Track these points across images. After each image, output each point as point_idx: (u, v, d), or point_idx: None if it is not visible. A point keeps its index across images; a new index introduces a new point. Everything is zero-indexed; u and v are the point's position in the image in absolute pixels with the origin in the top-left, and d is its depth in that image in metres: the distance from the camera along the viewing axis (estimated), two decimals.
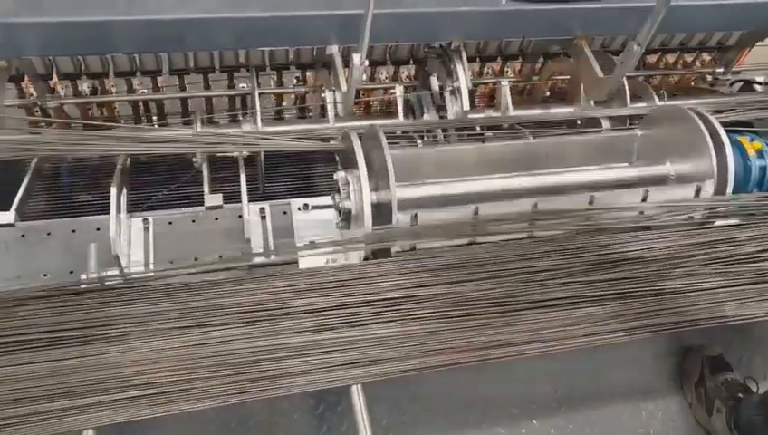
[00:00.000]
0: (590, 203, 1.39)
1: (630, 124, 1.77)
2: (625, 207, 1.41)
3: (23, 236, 1.43)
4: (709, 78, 2.30)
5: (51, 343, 1.06)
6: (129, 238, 1.44)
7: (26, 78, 1.73)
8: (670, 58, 2.23)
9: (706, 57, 2.25)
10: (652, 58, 2.22)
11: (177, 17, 1.35)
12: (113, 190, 1.32)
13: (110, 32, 1.34)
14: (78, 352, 1.06)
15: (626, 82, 1.72)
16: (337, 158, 1.57)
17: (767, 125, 1.79)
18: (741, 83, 2.29)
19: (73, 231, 1.45)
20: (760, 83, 2.29)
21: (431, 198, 1.39)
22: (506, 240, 1.33)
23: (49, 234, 1.44)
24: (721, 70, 2.25)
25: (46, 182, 1.65)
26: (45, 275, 1.39)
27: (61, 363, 1.05)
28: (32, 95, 1.76)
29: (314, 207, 1.55)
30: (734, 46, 2.21)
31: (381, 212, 1.29)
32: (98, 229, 1.43)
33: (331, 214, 1.42)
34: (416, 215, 1.29)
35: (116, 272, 1.29)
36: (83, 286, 1.17)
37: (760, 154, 1.54)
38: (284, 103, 2.01)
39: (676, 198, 1.44)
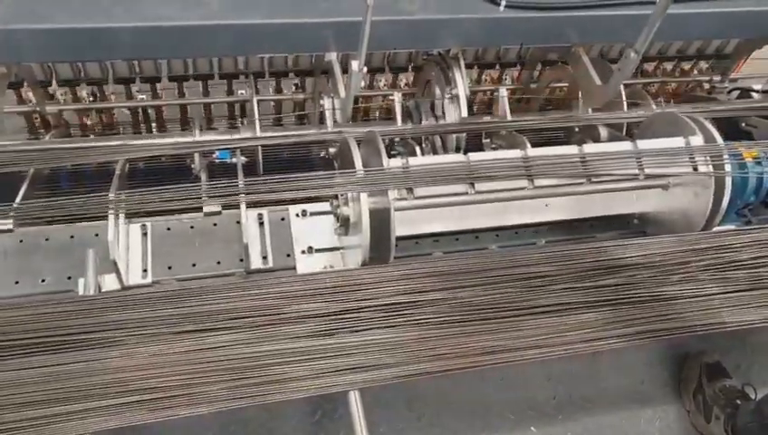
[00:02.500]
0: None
1: (627, 131, 1.77)
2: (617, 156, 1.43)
3: (21, 241, 1.43)
4: (707, 86, 2.31)
5: (48, 348, 1.06)
6: (128, 244, 1.44)
7: (25, 84, 1.73)
8: (668, 66, 2.24)
9: (704, 65, 2.26)
10: (650, 66, 2.23)
11: (176, 24, 1.36)
12: (112, 196, 1.32)
13: (110, 38, 1.35)
14: (76, 357, 1.06)
15: (623, 90, 1.73)
16: (336, 164, 1.58)
17: (765, 133, 1.80)
18: (738, 91, 2.30)
19: (72, 237, 1.45)
20: (757, 91, 2.30)
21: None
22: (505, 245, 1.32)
23: (47, 239, 1.44)
24: (718, 78, 2.26)
25: (45, 187, 1.65)
26: (43, 281, 1.39)
27: (58, 368, 1.04)
28: (31, 101, 1.77)
29: (312, 214, 1.55)
30: (732, 54, 2.22)
31: (380, 219, 1.29)
32: (96, 235, 1.43)
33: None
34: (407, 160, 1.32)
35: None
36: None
37: (757, 161, 1.54)
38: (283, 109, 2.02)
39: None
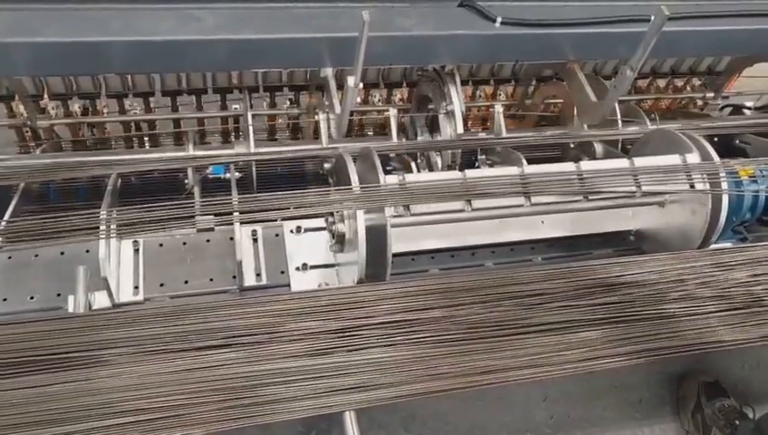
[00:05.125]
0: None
1: (622, 147, 1.78)
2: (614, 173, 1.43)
3: (9, 258, 1.40)
4: (699, 103, 2.32)
5: (36, 368, 1.03)
6: (119, 261, 1.42)
7: (17, 98, 1.71)
8: (661, 83, 2.25)
9: (697, 82, 2.27)
10: (643, 82, 2.24)
11: (171, 39, 1.35)
12: (103, 212, 1.30)
13: (103, 52, 1.33)
14: (64, 377, 1.03)
15: (617, 106, 1.73)
16: (330, 180, 1.57)
17: (759, 150, 1.81)
18: (730, 108, 2.32)
19: (62, 253, 1.42)
20: (749, 108, 2.32)
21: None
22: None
23: (37, 256, 1.42)
24: (711, 95, 2.27)
25: (35, 202, 1.62)
26: (32, 298, 1.37)
27: (46, 389, 1.02)
28: (22, 115, 1.74)
29: (307, 230, 1.53)
30: (724, 72, 2.24)
31: (376, 235, 1.28)
32: (87, 251, 1.41)
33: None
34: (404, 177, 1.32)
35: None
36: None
37: (753, 179, 1.54)
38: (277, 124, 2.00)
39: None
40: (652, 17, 1.37)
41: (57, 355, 1.05)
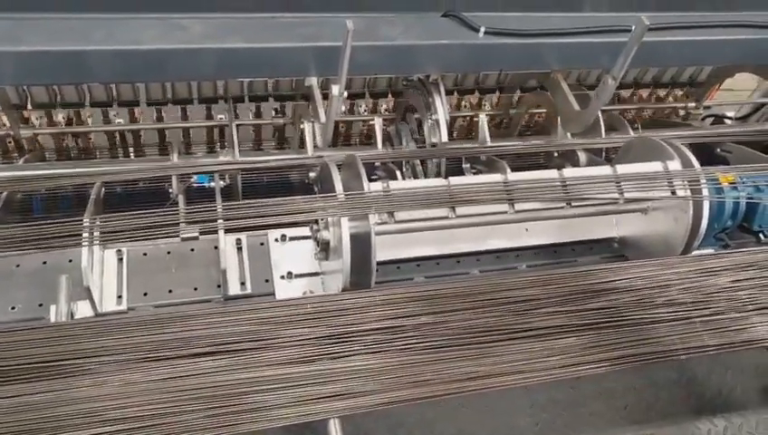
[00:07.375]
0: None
1: (606, 156, 1.79)
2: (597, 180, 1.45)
3: None
4: (682, 112, 2.35)
5: (17, 378, 1.02)
6: (102, 270, 1.41)
7: None
8: (644, 93, 2.27)
9: (679, 92, 2.30)
10: (626, 93, 2.27)
11: (155, 48, 1.35)
12: (86, 221, 1.29)
13: (88, 62, 1.33)
14: (47, 387, 1.02)
15: (600, 116, 1.75)
16: (315, 188, 1.57)
17: (740, 159, 1.83)
18: (712, 118, 2.35)
19: (44, 263, 1.41)
20: (730, 118, 2.36)
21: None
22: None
23: (18, 266, 1.40)
24: (693, 105, 2.30)
25: (17, 212, 1.61)
26: (13, 309, 1.35)
27: (29, 398, 1.00)
28: (5, 125, 1.73)
29: (292, 239, 1.53)
30: (705, 82, 2.27)
31: (360, 243, 1.28)
32: (70, 261, 1.39)
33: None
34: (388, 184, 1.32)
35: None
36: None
37: (733, 186, 1.56)
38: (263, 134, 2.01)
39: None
40: (633, 27, 1.39)
41: (37, 364, 1.04)
